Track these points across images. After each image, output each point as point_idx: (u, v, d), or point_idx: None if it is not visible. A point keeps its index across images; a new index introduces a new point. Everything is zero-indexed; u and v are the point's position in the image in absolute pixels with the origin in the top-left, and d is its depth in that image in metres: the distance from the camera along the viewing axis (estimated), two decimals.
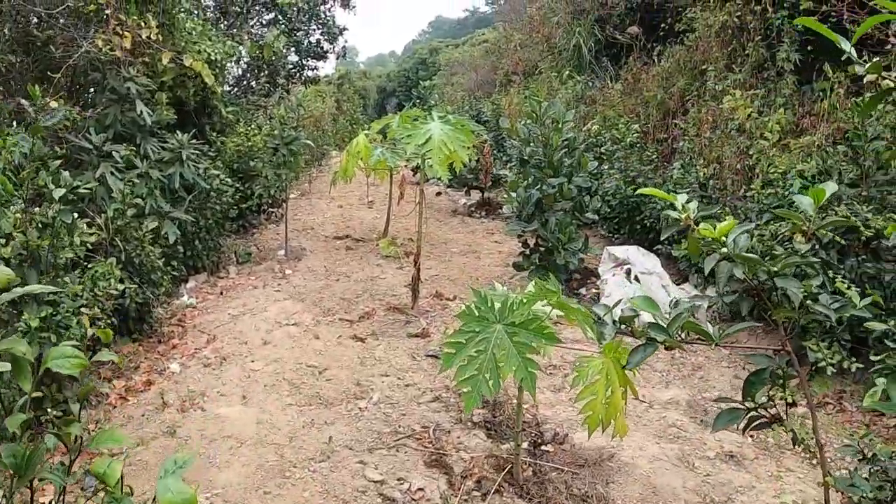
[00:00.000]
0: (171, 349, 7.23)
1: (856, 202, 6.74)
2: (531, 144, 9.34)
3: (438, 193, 16.80)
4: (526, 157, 9.36)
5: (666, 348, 2.23)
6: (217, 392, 6.19)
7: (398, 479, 4.87)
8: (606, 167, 11.72)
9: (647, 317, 7.56)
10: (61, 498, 2.48)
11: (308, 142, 11.67)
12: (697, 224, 2.28)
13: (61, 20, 7.82)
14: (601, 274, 8.98)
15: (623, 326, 2.28)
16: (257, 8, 16.86)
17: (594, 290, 9.18)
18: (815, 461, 5.26)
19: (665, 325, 2.18)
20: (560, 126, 9.19)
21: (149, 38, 8.05)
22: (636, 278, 8.42)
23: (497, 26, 32.69)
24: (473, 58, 32.15)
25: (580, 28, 17.03)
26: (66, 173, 5.88)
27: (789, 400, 2.43)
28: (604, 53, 16.64)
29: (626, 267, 8.64)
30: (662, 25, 13.54)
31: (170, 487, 1.91)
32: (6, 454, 2.05)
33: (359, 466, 5.02)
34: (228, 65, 12.39)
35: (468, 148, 7.53)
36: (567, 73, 17.12)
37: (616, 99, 14.10)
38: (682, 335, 2.24)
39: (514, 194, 9.46)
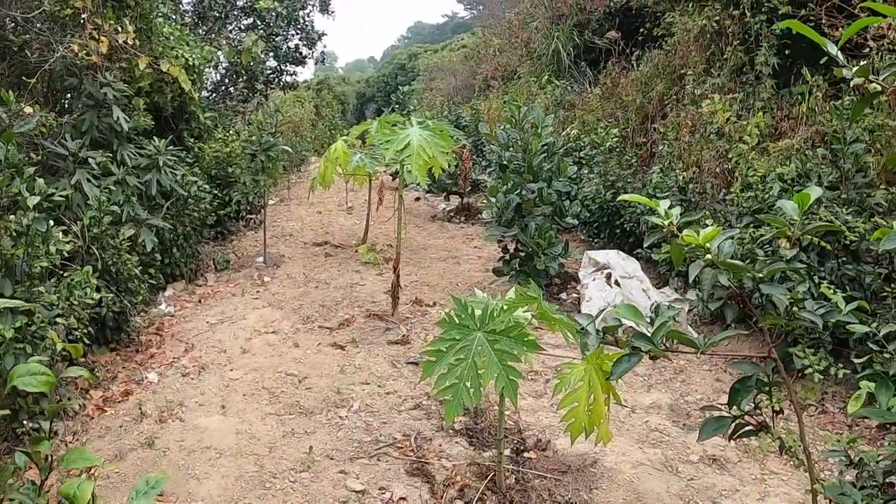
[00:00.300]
0: (149, 358, 7.14)
1: (836, 205, 6.76)
2: (510, 149, 9.32)
3: (417, 199, 16.77)
4: (505, 163, 9.34)
5: (651, 358, 2.19)
6: (195, 402, 6.11)
7: (380, 489, 4.82)
8: (586, 172, 11.73)
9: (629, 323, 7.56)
10: None
11: (286, 147, 11.61)
12: (680, 230, 2.25)
13: (38, 24, 7.71)
14: (581, 278, 8.96)
15: (607, 336, 2.24)
16: (236, 13, 16.79)
17: (575, 295, 9.16)
18: (800, 466, 5.26)
19: (649, 335, 2.15)
20: (539, 131, 9.18)
21: (125, 42, 7.95)
22: (616, 282, 8.42)
23: (476, 31, 32.72)
24: (452, 63, 32.22)
25: (559, 33, 17.06)
26: (41, 181, 5.79)
27: (776, 407, 2.40)
28: (583, 58, 16.67)
29: (606, 271, 8.63)
30: (641, 30, 13.58)
31: None
32: None
33: (340, 476, 4.96)
34: (207, 70, 12.32)
35: (447, 153, 7.50)
36: (546, 77, 17.14)
37: (595, 103, 14.12)
38: (667, 344, 2.20)
39: (493, 199, 9.44)
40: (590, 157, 12.05)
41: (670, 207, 2.35)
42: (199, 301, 8.97)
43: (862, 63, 2.01)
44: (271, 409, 5.98)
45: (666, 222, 2.29)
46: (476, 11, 48.01)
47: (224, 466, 5.10)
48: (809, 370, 5.88)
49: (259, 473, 5.01)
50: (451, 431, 5.59)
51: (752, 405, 2.38)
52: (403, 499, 4.72)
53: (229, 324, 7.99)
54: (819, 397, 6.26)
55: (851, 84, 2.04)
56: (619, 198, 3.00)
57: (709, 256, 2.16)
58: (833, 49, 2.07)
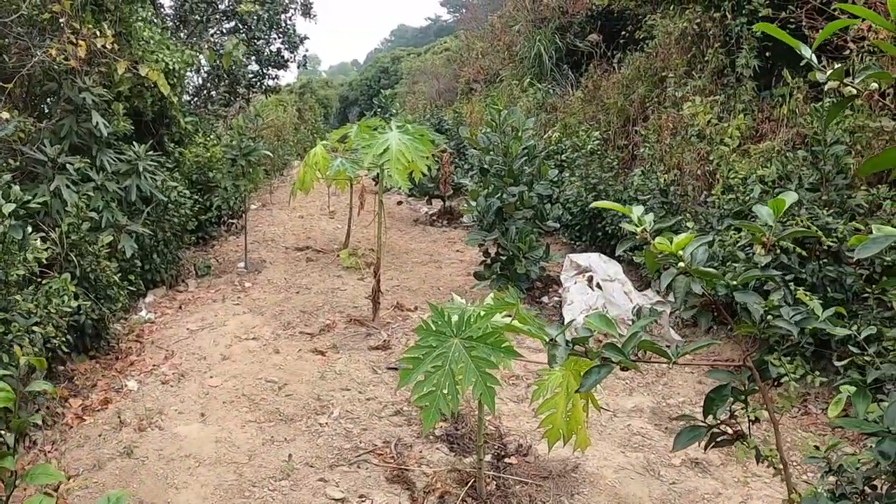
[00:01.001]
0: (129, 366, 7.08)
1: (816, 206, 6.77)
2: (491, 153, 9.30)
3: (399, 203, 16.75)
4: (486, 166, 9.32)
5: (622, 369, 2.17)
6: (175, 410, 6.06)
7: (360, 497, 4.79)
8: (567, 175, 11.73)
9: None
10: None
11: (267, 152, 11.57)
12: (654, 236, 2.23)
13: (16, 29, 7.64)
14: (563, 282, 8.96)
15: (577, 347, 2.21)
16: (217, 16, 16.72)
17: (556, 298, 9.15)
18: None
19: (620, 346, 2.13)
20: (520, 134, 9.16)
21: (104, 47, 7.89)
22: (598, 285, 8.42)
23: (459, 35, 32.75)
24: (435, 66, 32.22)
25: (541, 36, 17.08)
26: (17, 188, 5.74)
27: (752, 416, 2.38)
28: (565, 61, 16.69)
29: (587, 274, 8.63)
30: (623, 33, 13.58)
31: None
32: None
33: (320, 484, 4.93)
34: (188, 74, 12.25)
35: (427, 157, 7.48)
36: (528, 80, 17.15)
37: (577, 106, 14.13)
38: (639, 354, 2.18)
39: (474, 203, 9.42)
40: (571, 160, 12.06)
41: (644, 213, 2.33)
42: (180, 307, 8.91)
43: (840, 65, 2.00)
44: (251, 417, 5.93)
45: (639, 229, 2.27)
46: (459, 15, 48.04)
47: (203, 475, 5.05)
48: (785, 378, 5.88)
49: (238, 482, 4.96)
50: (431, 437, 5.56)
51: (729, 413, 2.36)
52: None
53: (209, 330, 7.94)
54: (801, 398, 6.26)
55: (826, 87, 2.02)
56: (592, 204, 2.97)
57: (682, 264, 2.14)
58: (807, 52, 2.05)
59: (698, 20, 10.45)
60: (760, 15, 8.70)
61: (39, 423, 5.37)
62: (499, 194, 9.05)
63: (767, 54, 9.33)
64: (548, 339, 2.22)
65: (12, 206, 5.43)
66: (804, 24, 8.24)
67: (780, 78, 8.79)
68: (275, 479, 5.01)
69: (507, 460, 5.27)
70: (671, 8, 11.45)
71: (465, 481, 4.89)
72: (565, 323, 8.05)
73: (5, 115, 6.67)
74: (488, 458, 5.23)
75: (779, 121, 8.73)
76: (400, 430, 5.70)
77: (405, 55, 47.90)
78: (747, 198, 7.59)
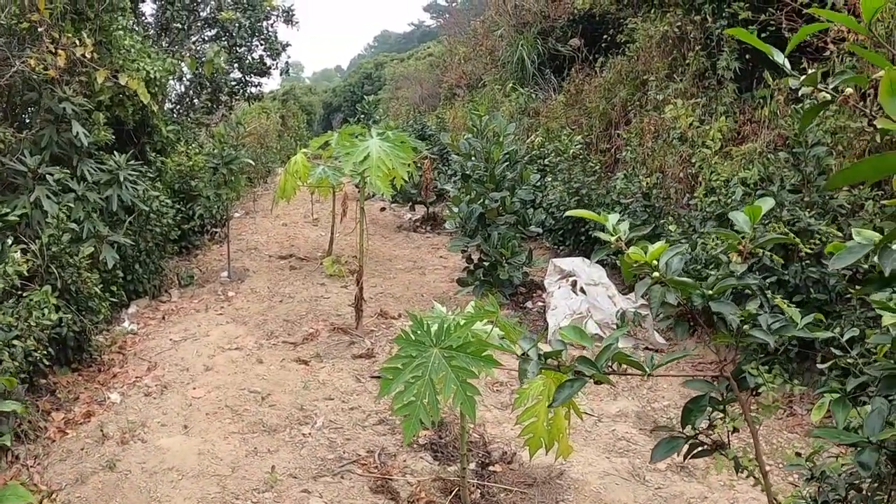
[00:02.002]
0: (112, 378, 7.03)
1: (798, 208, 6.77)
2: (473, 159, 9.29)
3: (383, 209, 16.72)
4: (468, 172, 9.31)
5: (596, 383, 2.15)
6: (158, 422, 6.02)
7: None
8: (550, 179, 11.73)
9: (592, 326, 7.49)
10: None
11: (248, 160, 11.52)
12: (629, 245, 2.22)
13: None
14: (547, 286, 8.95)
15: (549, 361, 2.19)
16: (199, 24, 16.66)
17: (540, 304, 9.15)
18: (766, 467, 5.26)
19: (593, 359, 2.11)
20: (501, 139, 9.16)
21: (84, 56, 7.85)
22: (582, 290, 8.41)
23: (442, 40, 32.74)
24: (419, 72, 32.20)
25: (523, 41, 17.09)
26: None
27: (731, 427, 2.36)
28: (547, 66, 16.70)
29: (571, 279, 8.62)
30: (605, 37, 13.62)
31: None
32: None
33: (303, 495, 4.90)
34: (170, 82, 12.20)
35: (408, 164, 7.46)
36: (511, 85, 17.16)
37: (559, 111, 14.14)
38: (613, 367, 2.17)
39: (456, 209, 9.40)
40: (554, 164, 12.07)
41: (620, 221, 2.32)
42: (163, 318, 8.85)
43: (817, 68, 1.99)
44: (234, 428, 5.90)
45: (614, 238, 2.26)
46: (442, 20, 48.05)
47: (186, 488, 5.02)
48: (764, 388, 5.86)
49: (221, 495, 4.93)
50: (415, 446, 5.54)
51: (708, 422, 2.34)
52: None
53: (192, 341, 7.90)
54: (786, 399, 6.27)
55: (800, 93, 2.01)
56: (567, 213, 2.96)
57: (656, 274, 2.13)
58: (780, 57, 2.04)
59: (679, 23, 10.47)
60: (740, 18, 8.72)
61: (8, 444, 5.30)
62: (481, 200, 9.05)
63: (748, 56, 9.35)
64: (518, 355, 2.21)
65: None
66: (784, 25, 8.26)
67: (762, 80, 8.80)
68: (258, 490, 4.98)
69: (491, 468, 5.25)
70: (652, 12, 11.48)
71: (449, 490, 4.88)
72: (549, 328, 8.09)
73: None
74: (472, 466, 5.22)
75: (760, 122, 8.75)
76: (384, 440, 5.68)
77: (388, 61, 47.86)
78: (729, 200, 7.60)
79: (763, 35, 8.26)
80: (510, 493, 4.91)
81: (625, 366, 2.16)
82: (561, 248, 11.33)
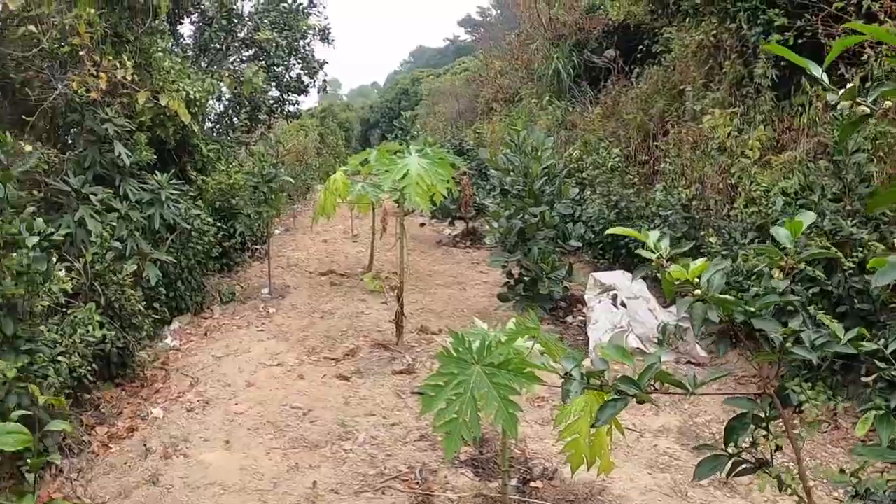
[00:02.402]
0: (154, 393, 7.12)
1: (840, 217, 6.69)
2: (511, 174, 9.30)
3: (422, 224, 16.78)
4: (507, 187, 9.32)
5: (638, 402, 2.14)
6: (200, 437, 6.08)
7: None
8: (589, 192, 11.70)
9: (633, 340, 7.44)
10: None
11: (288, 178, 11.64)
12: (670, 262, 2.21)
13: (37, 62, 7.75)
14: (588, 301, 8.92)
15: (592, 381, 2.19)
16: (237, 45, 16.88)
17: (581, 318, 9.12)
18: (810, 482, 5.18)
19: (635, 377, 2.11)
20: (539, 154, 9.16)
21: (125, 78, 7.98)
22: (623, 303, 8.37)
23: (477, 55, 32.79)
24: (455, 86, 32.28)
25: (559, 53, 17.08)
26: (40, 220, 5.78)
27: (773, 447, 2.34)
28: (583, 77, 16.66)
29: (612, 292, 8.58)
30: (640, 47, 13.58)
31: None
32: None
33: None
34: (210, 102, 12.36)
35: (447, 181, 7.48)
36: (547, 98, 17.16)
37: (596, 123, 14.10)
38: (656, 385, 2.15)
39: (496, 224, 9.41)
40: (592, 177, 12.03)
41: (660, 238, 2.31)
42: (205, 334, 8.95)
43: (855, 73, 1.97)
44: (276, 444, 5.94)
45: (654, 256, 2.25)
46: (477, 34, 48.09)
47: (228, 503, 5.05)
48: (807, 405, 5.80)
49: None
50: (456, 462, 5.53)
51: (751, 440, 2.32)
52: None
53: (234, 357, 7.97)
54: (831, 412, 6.18)
55: (839, 108, 1.99)
56: (607, 231, 2.95)
57: (698, 291, 2.12)
58: (817, 71, 2.02)
59: (714, 32, 10.39)
60: (776, 24, 8.64)
61: (57, 461, 5.38)
62: (520, 215, 9.05)
63: (784, 63, 9.25)
64: (562, 374, 2.21)
65: (36, 239, 5.48)
66: (820, 31, 8.17)
67: (800, 87, 8.71)
68: None
69: (532, 484, 5.23)
70: (686, 21, 11.42)
71: None
72: (590, 342, 8.05)
73: (28, 147, 6.74)
74: (513, 482, 5.20)
75: (799, 130, 8.63)
76: (425, 456, 5.68)
77: (425, 76, 48.03)
78: (770, 210, 7.52)
79: (800, 41, 8.19)
80: None
81: (667, 385, 2.15)
82: (601, 261, 11.27)
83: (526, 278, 9.12)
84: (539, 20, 18.39)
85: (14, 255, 5.36)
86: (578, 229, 10.23)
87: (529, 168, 9.09)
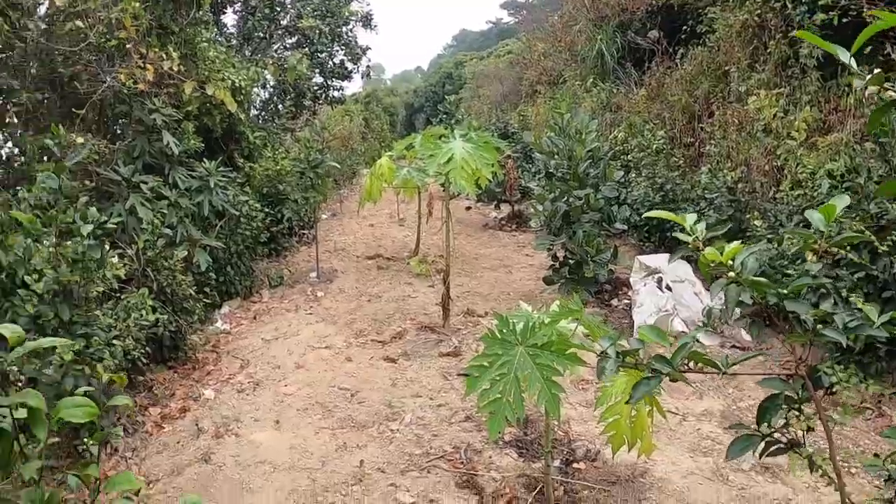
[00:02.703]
0: (206, 375, 7.29)
1: (886, 200, 6.61)
2: (556, 157, 9.31)
3: (468, 208, 16.82)
4: (551, 170, 9.33)
5: (671, 380, 2.19)
6: (251, 417, 6.23)
7: (430, 501, 4.86)
8: (634, 175, 11.65)
9: (678, 324, 7.43)
10: None
11: (334, 164, 11.76)
12: (707, 245, 2.25)
13: (85, 56, 7.93)
14: (633, 284, 8.92)
15: (626, 359, 2.24)
16: (280, 32, 17.04)
17: (626, 301, 9.12)
18: (852, 470, 5.18)
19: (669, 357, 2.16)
20: (583, 137, 9.16)
21: (171, 69, 8.14)
22: (668, 287, 8.36)
23: (520, 37, 32.66)
24: (498, 69, 32.20)
25: (602, 35, 16.96)
26: (94, 209, 5.95)
27: (804, 427, 2.37)
28: (627, 59, 16.53)
29: (657, 276, 8.57)
30: (684, 28, 13.45)
31: None
32: (25, 499, 2.09)
33: (391, 489, 5.02)
34: (255, 90, 12.53)
35: (492, 164, 7.53)
36: (591, 80, 17.06)
37: (641, 105, 13.99)
38: (689, 365, 2.20)
39: (540, 207, 9.44)
40: (637, 160, 11.97)
41: (696, 222, 2.36)
42: (254, 318, 9.12)
43: (879, 70, 1.99)
44: (324, 424, 6.06)
45: (691, 238, 2.30)
46: (520, 16, 47.86)
47: (278, 480, 5.19)
48: (838, 387, 5.76)
49: (312, 487, 5.08)
50: (500, 443, 5.61)
51: (784, 420, 2.35)
52: None
53: (283, 339, 8.12)
54: (875, 399, 6.14)
55: (866, 94, 2.01)
56: (645, 215, 3.00)
57: (732, 273, 2.17)
58: (844, 56, 2.05)
59: (758, 11, 10.25)
60: (820, 3, 8.50)
61: (120, 436, 5.58)
62: (565, 198, 9.06)
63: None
64: (598, 353, 2.27)
65: (90, 227, 5.65)
66: (865, 10, 8.04)
67: (846, 67, 8.57)
68: (347, 484, 5.12)
69: (575, 465, 5.29)
70: (731, 0, 11.29)
71: (533, 486, 4.94)
72: (635, 325, 8.07)
73: (79, 139, 6.91)
74: (556, 463, 5.27)
75: (846, 111, 8.50)
76: (470, 436, 5.77)
77: (468, 60, 47.97)
78: (815, 193, 7.46)
79: (844, 20, 8.07)
80: (593, 491, 4.94)
81: (700, 364, 2.20)
82: (646, 244, 11.24)
83: (571, 261, 9.14)
84: (582, 1, 18.28)
85: (69, 243, 5.54)
86: (623, 212, 10.20)
87: (574, 151, 9.10)
